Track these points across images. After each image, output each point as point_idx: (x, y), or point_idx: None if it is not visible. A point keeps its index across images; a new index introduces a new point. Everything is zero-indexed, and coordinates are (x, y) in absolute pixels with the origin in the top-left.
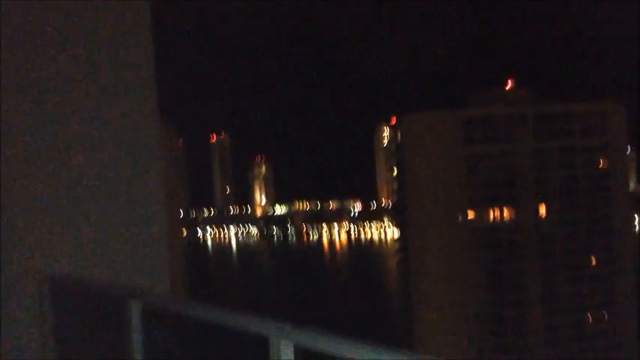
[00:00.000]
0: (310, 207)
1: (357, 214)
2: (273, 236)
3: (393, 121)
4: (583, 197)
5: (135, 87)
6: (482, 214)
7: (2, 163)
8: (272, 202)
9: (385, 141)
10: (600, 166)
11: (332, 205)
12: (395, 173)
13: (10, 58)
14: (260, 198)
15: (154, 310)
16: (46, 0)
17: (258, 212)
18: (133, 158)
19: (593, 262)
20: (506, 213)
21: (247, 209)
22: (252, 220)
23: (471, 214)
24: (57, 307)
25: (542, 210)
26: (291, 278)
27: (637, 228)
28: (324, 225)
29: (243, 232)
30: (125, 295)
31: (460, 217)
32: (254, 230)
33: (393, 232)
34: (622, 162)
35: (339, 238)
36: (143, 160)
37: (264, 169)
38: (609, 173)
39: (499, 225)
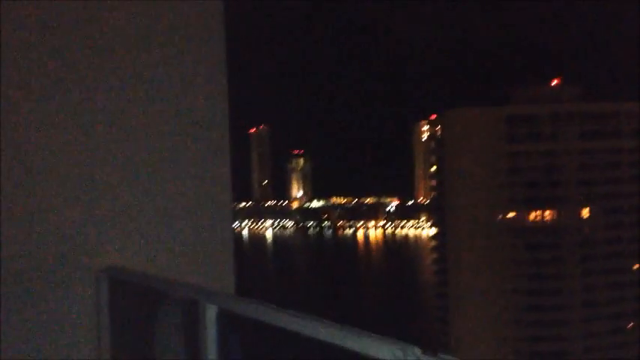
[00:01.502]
0: (346, 202)
1: (393, 210)
2: (308, 229)
3: (433, 116)
4: (628, 200)
5: (206, 84)
6: (523, 214)
7: (63, 152)
8: (309, 195)
9: (424, 137)
10: None
11: (368, 200)
12: (434, 170)
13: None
14: (297, 191)
15: (226, 314)
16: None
17: (295, 205)
18: (201, 155)
19: (637, 267)
20: (548, 214)
21: (284, 202)
22: (288, 212)
23: (511, 214)
24: (115, 302)
25: (586, 212)
26: (325, 272)
27: None
28: (359, 220)
29: (279, 224)
30: (199, 298)
31: (500, 217)
32: (290, 223)
33: (429, 230)
34: None
35: (375, 233)
36: (211, 157)
37: (302, 162)
38: None
39: (540, 226)
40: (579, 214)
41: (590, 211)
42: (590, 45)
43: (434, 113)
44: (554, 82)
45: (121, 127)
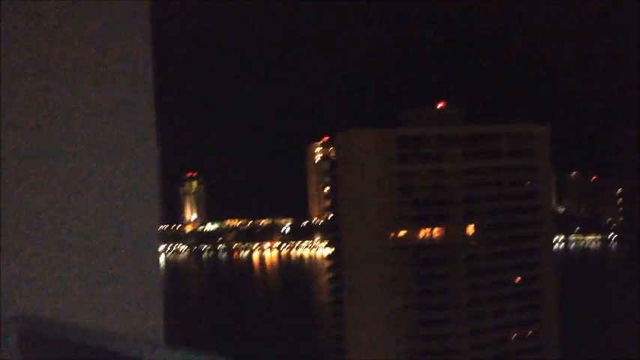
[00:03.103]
0: (241, 224)
1: (288, 231)
2: (202, 253)
3: (325, 138)
4: (510, 216)
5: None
6: (413, 231)
7: None
8: (203, 218)
9: (317, 158)
10: (526, 186)
11: (263, 222)
12: (327, 190)
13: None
14: (191, 214)
15: None
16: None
17: (189, 229)
18: (126, 180)
19: (518, 280)
20: (436, 231)
21: (177, 226)
22: (181, 236)
23: (402, 232)
24: (26, 356)
25: (471, 229)
26: (220, 295)
27: (558, 246)
28: (255, 242)
29: (172, 248)
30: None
31: (392, 235)
32: (183, 247)
33: (324, 250)
34: (547, 182)
35: (270, 255)
36: (138, 182)
37: (195, 185)
38: (535, 193)
39: (429, 243)
40: (465, 230)
41: (475, 228)
42: (476, 70)
43: (326, 135)
44: (441, 105)
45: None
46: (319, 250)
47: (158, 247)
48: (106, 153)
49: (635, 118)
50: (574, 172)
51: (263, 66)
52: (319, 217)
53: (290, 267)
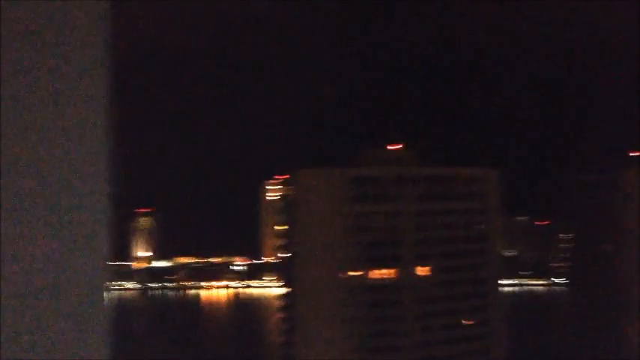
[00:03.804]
0: (193, 262)
1: (240, 269)
2: (152, 290)
3: (280, 176)
4: (460, 259)
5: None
6: (367, 272)
7: None
8: (154, 255)
9: (271, 197)
10: (477, 229)
11: (215, 260)
12: (280, 229)
13: None
14: (141, 251)
15: None
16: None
17: (138, 265)
18: (78, 213)
19: (469, 323)
20: (389, 272)
21: (127, 262)
22: (131, 273)
23: (356, 273)
24: None
25: (423, 270)
26: (167, 333)
27: (508, 289)
28: (206, 280)
29: (120, 285)
30: None
31: (345, 275)
32: (132, 284)
33: (276, 289)
34: (497, 226)
35: (222, 293)
36: (86, 217)
37: (147, 221)
38: (485, 236)
39: (382, 284)
40: (418, 272)
41: (428, 270)
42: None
43: (280, 173)
44: (397, 146)
45: None
46: (271, 289)
47: (104, 283)
48: (53, 184)
49: (588, 164)
50: (525, 217)
51: (219, 104)
52: (272, 256)
53: (241, 306)
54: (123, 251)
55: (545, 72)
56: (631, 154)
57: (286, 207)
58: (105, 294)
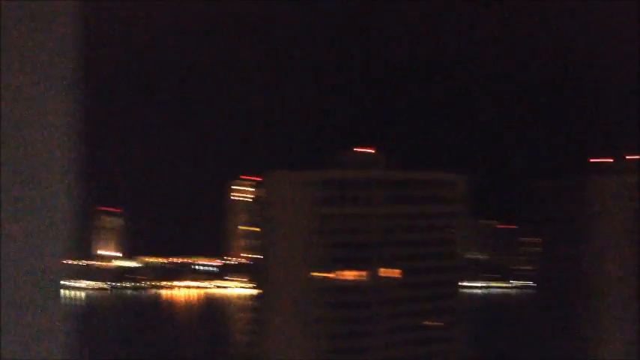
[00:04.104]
0: (160, 262)
1: (207, 270)
2: (119, 289)
3: (247, 177)
4: (427, 262)
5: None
6: (336, 274)
7: None
8: (121, 255)
9: (237, 197)
10: (444, 233)
11: (182, 260)
12: (248, 230)
13: None
14: (108, 250)
15: None
16: None
17: (105, 265)
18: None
19: (437, 324)
20: (358, 274)
21: (94, 261)
22: (96, 272)
23: (324, 274)
24: None
25: (391, 272)
26: (134, 333)
27: (475, 292)
28: (172, 281)
29: (87, 285)
30: None
31: (314, 277)
32: (97, 284)
33: (244, 290)
34: (464, 229)
35: (186, 294)
36: (46, 214)
37: (112, 221)
38: (451, 240)
39: (350, 285)
40: (386, 273)
41: (395, 272)
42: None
43: (249, 174)
44: (368, 150)
45: None
46: (238, 290)
47: (60, 281)
48: (16, 183)
49: (557, 168)
50: (490, 221)
51: (186, 103)
52: (240, 257)
53: (207, 306)
54: (87, 250)
55: (510, 77)
56: (591, 160)
57: (254, 208)
58: (67, 292)
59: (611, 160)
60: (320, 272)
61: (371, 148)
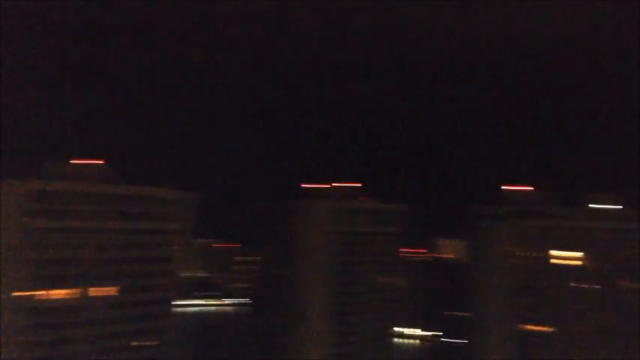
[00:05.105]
0: None
1: None
2: None
3: None
4: (142, 279)
5: None
6: (40, 292)
7: None
8: None
9: None
10: (161, 250)
11: None
12: None
13: None
14: None
15: None
16: None
17: None
18: None
19: (143, 345)
20: (64, 292)
21: None
22: None
23: (28, 292)
24: None
25: (102, 291)
26: None
27: (195, 310)
28: None
29: None
30: None
31: (17, 296)
32: None
33: None
34: (183, 248)
35: None
36: None
37: None
38: (169, 258)
39: (56, 305)
40: (97, 292)
41: (108, 290)
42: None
43: None
44: (91, 161)
45: None
46: None
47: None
48: None
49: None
50: (206, 239)
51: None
52: None
53: None
54: None
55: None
56: (303, 185)
57: None
58: None
59: (323, 186)
60: (23, 291)
61: (100, 159)
